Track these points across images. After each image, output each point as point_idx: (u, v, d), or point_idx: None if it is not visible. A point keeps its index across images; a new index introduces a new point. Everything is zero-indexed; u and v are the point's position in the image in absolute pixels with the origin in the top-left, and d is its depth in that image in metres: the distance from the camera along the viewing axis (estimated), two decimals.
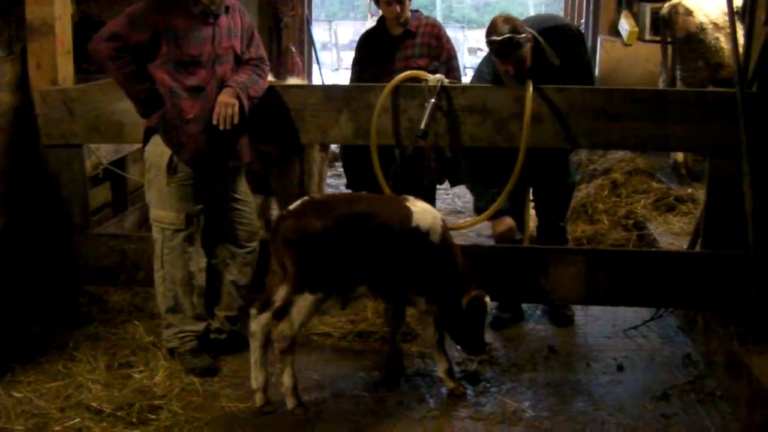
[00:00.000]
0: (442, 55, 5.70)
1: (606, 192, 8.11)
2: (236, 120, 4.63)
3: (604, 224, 7.45)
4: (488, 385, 4.84)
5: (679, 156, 8.75)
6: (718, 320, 4.96)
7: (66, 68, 5.45)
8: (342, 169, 6.41)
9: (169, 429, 4.22)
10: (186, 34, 4.61)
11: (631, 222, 7.42)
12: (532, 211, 6.41)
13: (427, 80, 4.98)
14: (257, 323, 4.45)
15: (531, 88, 4.83)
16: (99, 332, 5.30)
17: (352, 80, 5.92)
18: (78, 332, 5.27)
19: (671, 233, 7.01)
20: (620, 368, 5.07)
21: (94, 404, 4.35)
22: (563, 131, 4.95)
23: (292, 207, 4.42)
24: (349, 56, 23.55)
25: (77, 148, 5.40)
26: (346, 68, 20.91)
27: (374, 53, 5.77)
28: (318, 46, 15.61)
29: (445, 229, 4.59)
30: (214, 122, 4.60)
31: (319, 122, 5.12)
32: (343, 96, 5.11)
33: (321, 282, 4.33)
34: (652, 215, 7.54)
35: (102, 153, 5.96)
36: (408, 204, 4.55)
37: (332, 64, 29.75)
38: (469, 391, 4.73)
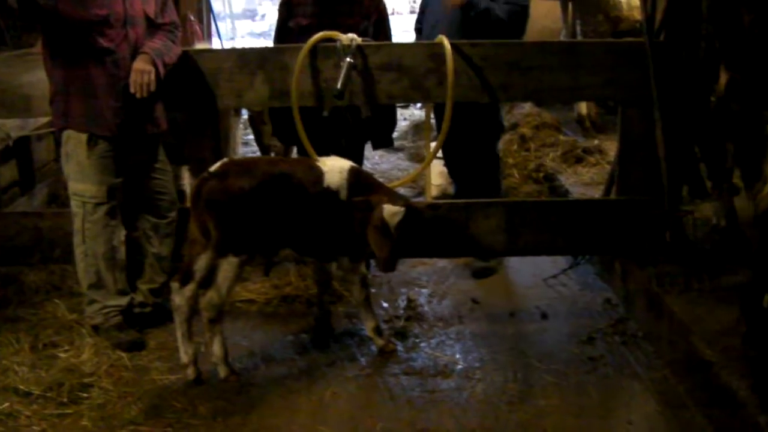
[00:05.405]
0: (372, 15, 5.55)
1: (515, 146, 8.25)
2: (152, 87, 4.52)
3: (516, 178, 7.60)
4: (417, 340, 4.90)
5: (583, 109, 8.95)
6: (636, 264, 5.10)
7: None
8: (251, 137, 6.27)
9: (102, 406, 4.14)
10: None
11: (541, 175, 7.60)
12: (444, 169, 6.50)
13: (340, 40, 4.95)
14: (181, 296, 4.40)
15: (448, 44, 4.85)
16: (18, 314, 5.13)
17: (275, 41, 5.75)
18: None
19: (582, 183, 7.16)
20: (544, 316, 5.19)
21: (22, 387, 4.24)
22: (480, 85, 5.00)
23: (213, 168, 4.38)
24: (243, 26, 23.18)
25: None
26: (242, 37, 20.64)
27: (301, 12, 5.56)
28: None
29: (354, 182, 4.52)
30: (132, 90, 4.48)
31: (234, 86, 5.05)
32: (257, 59, 5.04)
33: (245, 243, 4.31)
34: (562, 167, 7.70)
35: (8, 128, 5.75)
36: (319, 164, 4.56)
37: (227, 34, 29.20)
38: (399, 347, 4.78)
